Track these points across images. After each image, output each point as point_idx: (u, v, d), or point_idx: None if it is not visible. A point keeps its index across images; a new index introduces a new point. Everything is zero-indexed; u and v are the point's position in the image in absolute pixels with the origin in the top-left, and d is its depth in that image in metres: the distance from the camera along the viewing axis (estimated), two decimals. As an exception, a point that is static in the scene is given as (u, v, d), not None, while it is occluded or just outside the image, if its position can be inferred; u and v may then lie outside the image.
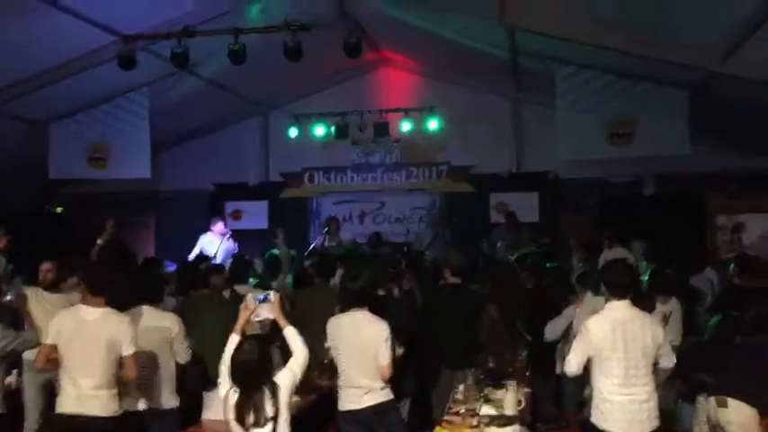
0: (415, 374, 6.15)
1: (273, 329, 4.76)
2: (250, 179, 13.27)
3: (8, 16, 7.60)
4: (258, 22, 8.77)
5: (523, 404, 5.10)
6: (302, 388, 4.88)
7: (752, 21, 6.31)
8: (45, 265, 6.23)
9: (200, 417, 5.16)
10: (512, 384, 5.20)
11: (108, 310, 4.75)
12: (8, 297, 5.83)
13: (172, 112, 11.31)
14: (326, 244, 10.73)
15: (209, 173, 13.05)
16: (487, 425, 4.73)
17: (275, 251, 8.25)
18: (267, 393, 3.94)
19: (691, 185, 11.40)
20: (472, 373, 5.46)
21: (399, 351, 5.10)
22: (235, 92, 11.71)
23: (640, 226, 9.81)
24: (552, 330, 6.38)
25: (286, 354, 4.40)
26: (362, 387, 4.92)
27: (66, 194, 13.01)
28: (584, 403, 5.28)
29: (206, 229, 11.00)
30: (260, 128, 13.49)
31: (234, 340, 4.24)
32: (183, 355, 5.25)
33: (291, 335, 4.33)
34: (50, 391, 5.51)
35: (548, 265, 7.75)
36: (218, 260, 9.89)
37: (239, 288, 6.84)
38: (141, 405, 5.01)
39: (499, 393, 5.18)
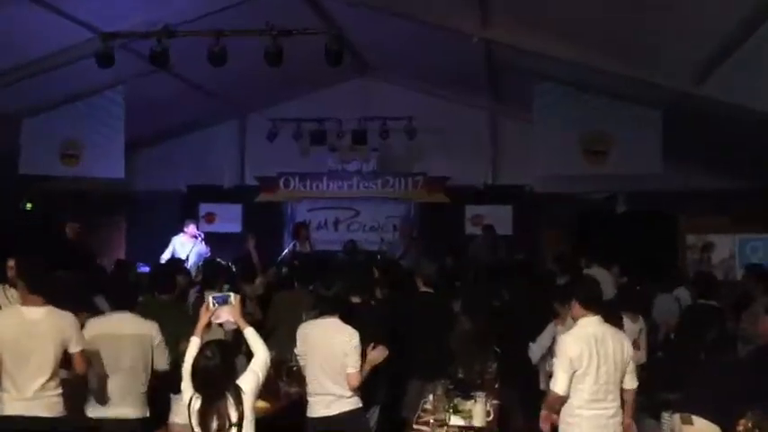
0: (386, 382, 6.13)
1: (238, 337, 4.70)
2: (225, 182, 13.20)
3: (-16, 9, 7.50)
4: (239, 25, 8.74)
5: (492, 416, 5.12)
6: (268, 393, 4.87)
7: (726, 45, 6.44)
8: (10, 262, 6.12)
9: (166, 420, 5.09)
10: (481, 396, 5.21)
11: (50, 308, 4.64)
12: None
13: (148, 112, 11.21)
14: (298, 250, 10.70)
15: (183, 174, 12.97)
16: (456, 435, 4.75)
17: None
18: (230, 398, 3.89)
19: (662, 204, 11.58)
20: (442, 384, 5.47)
21: (377, 357, 5.07)
22: (212, 93, 11.66)
23: (613, 242, 9.92)
24: (538, 349, 6.21)
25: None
26: (331, 394, 4.91)
27: (37, 191, 12.82)
28: None
29: (178, 230, 10.90)
30: (237, 131, 13.45)
31: (194, 342, 4.17)
32: (164, 363, 5.10)
33: (252, 336, 4.27)
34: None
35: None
36: (190, 263, 9.82)
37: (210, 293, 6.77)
38: (110, 412, 4.91)
39: (468, 404, 5.19)
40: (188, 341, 4.25)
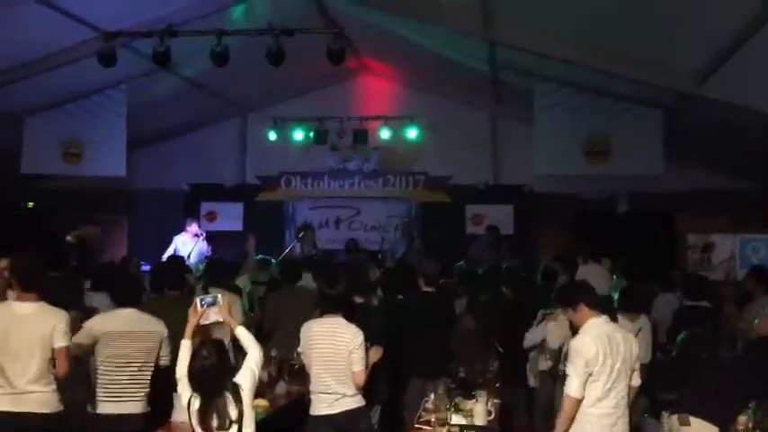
0: (387, 381, 6.15)
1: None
2: (226, 181, 13.21)
3: (-14, 8, 7.51)
4: (242, 25, 8.76)
5: (493, 415, 5.14)
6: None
7: (728, 45, 6.44)
8: (2, 263, 6.14)
9: (168, 419, 5.11)
10: (482, 395, 5.22)
11: (41, 304, 4.66)
12: None
13: (149, 111, 11.23)
14: (303, 249, 10.73)
15: (184, 173, 12.97)
16: (457, 434, 4.77)
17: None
18: (229, 396, 3.92)
19: (662, 204, 11.59)
20: (443, 383, 5.49)
21: (373, 357, 5.09)
22: (214, 93, 11.67)
23: (613, 242, 9.92)
24: (531, 339, 6.43)
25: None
26: (335, 393, 4.92)
27: (39, 190, 12.83)
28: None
29: (180, 229, 10.92)
30: (238, 130, 13.46)
31: (186, 346, 4.22)
32: (167, 359, 5.14)
33: (243, 334, 4.32)
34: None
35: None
36: (192, 261, 9.84)
37: (213, 291, 6.80)
38: (118, 408, 4.93)
39: (469, 403, 5.21)
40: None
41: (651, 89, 8.56)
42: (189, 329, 4.32)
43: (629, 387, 4.66)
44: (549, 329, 6.17)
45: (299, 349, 5.20)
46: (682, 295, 7.56)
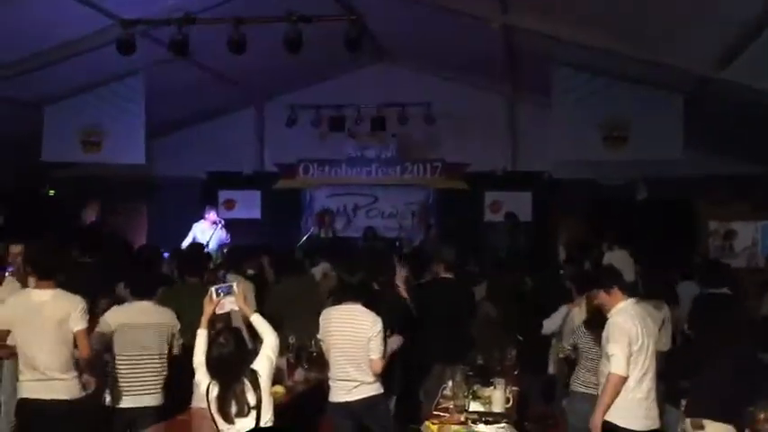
0: (402, 371, 6.16)
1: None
2: (244, 169, 13.25)
3: (6, -4, 7.56)
4: (259, 12, 8.73)
5: (511, 402, 5.13)
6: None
7: (750, 29, 6.35)
8: (15, 248, 6.22)
9: (187, 406, 5.15)
10: (500, 382, 5.21)
11: (58, 290, 4.70)
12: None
13: (167, 99, 11.25)
14: (321, 235, 10.77)
15: (202, 161, 13.01)
16: (475, 422, 4.76)
17: None
18: (247, 383, 3.95)
19: (682, 190, 11.47)
20: (461, 370, 5.49)
21: (396, 344, 5.10)
22: (231, 80, 11.68)
23: (633, 228, 9.83)
24: (550, 325, 6.40)
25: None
26: (353, 380, 4.95)
27: (59, 177, 12.96)
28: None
29: (198, 216, 10.98)
30: (256, 117, 13.47)
31: (202, 335, 4.26)
32: (178, 348, 5.22)
33: (258, 321, 4.34)
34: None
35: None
36: (210, 249, 9.89)
37: (231, 277, 6.83)
38: (133, 401, 4.99)
39: (487, 391, 5.21)
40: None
41: (671, 74, 8.46)
42: (205, 319, 4.36)
43: None
44: (572, 314, 6.14)
45: (318, 336, 5.22)
46: (701, 282, 7.48)
